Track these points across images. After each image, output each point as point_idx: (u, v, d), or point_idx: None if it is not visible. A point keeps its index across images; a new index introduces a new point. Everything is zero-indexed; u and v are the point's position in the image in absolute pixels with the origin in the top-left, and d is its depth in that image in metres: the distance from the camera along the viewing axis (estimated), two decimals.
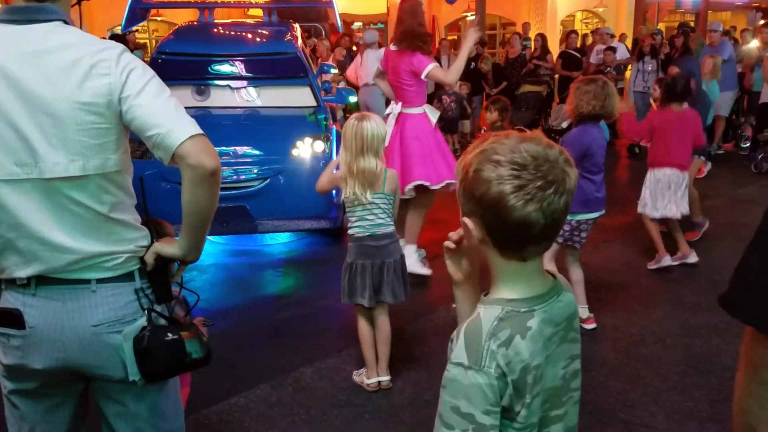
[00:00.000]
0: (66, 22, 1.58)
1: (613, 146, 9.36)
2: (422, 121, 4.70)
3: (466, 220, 1.16)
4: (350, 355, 3.59)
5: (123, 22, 6.26)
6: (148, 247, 1.69)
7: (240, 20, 10.01)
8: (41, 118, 1.50)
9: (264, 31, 6.51)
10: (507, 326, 1.13)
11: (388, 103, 5.54)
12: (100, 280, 1.61)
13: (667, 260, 4.86)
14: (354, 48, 10.88)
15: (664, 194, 4.78)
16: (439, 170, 4.60)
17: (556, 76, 10.71)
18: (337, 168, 3.19)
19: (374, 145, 3.05)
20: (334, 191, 4.25)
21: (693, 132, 4.82)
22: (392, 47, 4.67)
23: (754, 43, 9.79)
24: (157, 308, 1.70)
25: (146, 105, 1.55)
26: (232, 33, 6.53)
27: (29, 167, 1.51)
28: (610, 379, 3.35)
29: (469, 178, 1.13)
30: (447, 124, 8.63)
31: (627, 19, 20.22)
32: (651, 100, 6.41)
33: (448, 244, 1.26)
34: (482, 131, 10.15)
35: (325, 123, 5.41)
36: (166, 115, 1.55)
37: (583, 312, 3.86)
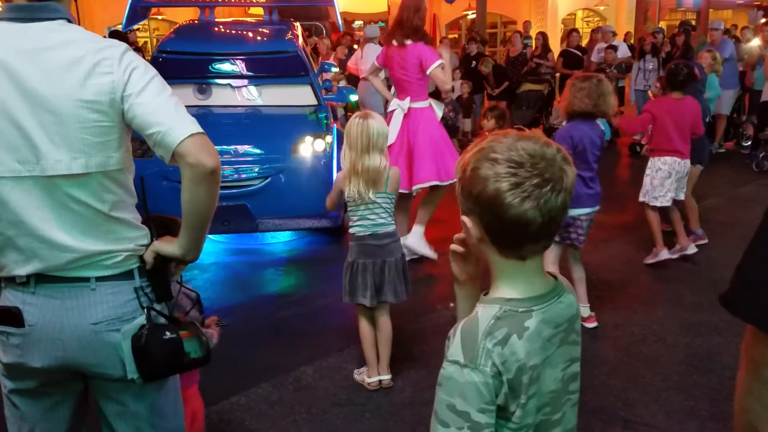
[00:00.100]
0: (69, 21, 1.58)
1: (614, 145, 9.36)
2: (431, 116, 4.75)
3: (465, 218, 1.16)
4: (351, 354, 3.59)
5: (124, 21, 6.25)
6: (147, 246, 1.69)
7: (241, 19, 10.01)
8: (43, 115, 1.50)
9: (265, 30, 6.52)
10: (504, 325, 1.12)
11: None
12: (99, 279, 1.61)
13: (664, 254, 4.84)
14: (355, 46, 10.88)
15: (664, 183, 4.75)
16: (448, 166, 4.64)
17: (557, 74, 10.70)
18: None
19: (380, 143, 3.06)
20: None
21: (691, 119, 4.75)
22: (395, 43, 4.67)
23: (755, 42, 9.78)
24: (157, 307, 1.70)
25: (147, 103, 1.55)
26: (233, 32, 6.52)
27: (31, 164, 1.51)
28: (611, 377, 3.35)
29: (467, 176, 1.13)
30: (446, 130, 8.59)
31: (628, 18, 20.24)
32: (650, 95, 6.39)
33: (455, 247, 1.26)
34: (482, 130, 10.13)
35: (325, 122, 5.41)
36: (167, 113, 1.55)
37: (585, 311, 3.87)
